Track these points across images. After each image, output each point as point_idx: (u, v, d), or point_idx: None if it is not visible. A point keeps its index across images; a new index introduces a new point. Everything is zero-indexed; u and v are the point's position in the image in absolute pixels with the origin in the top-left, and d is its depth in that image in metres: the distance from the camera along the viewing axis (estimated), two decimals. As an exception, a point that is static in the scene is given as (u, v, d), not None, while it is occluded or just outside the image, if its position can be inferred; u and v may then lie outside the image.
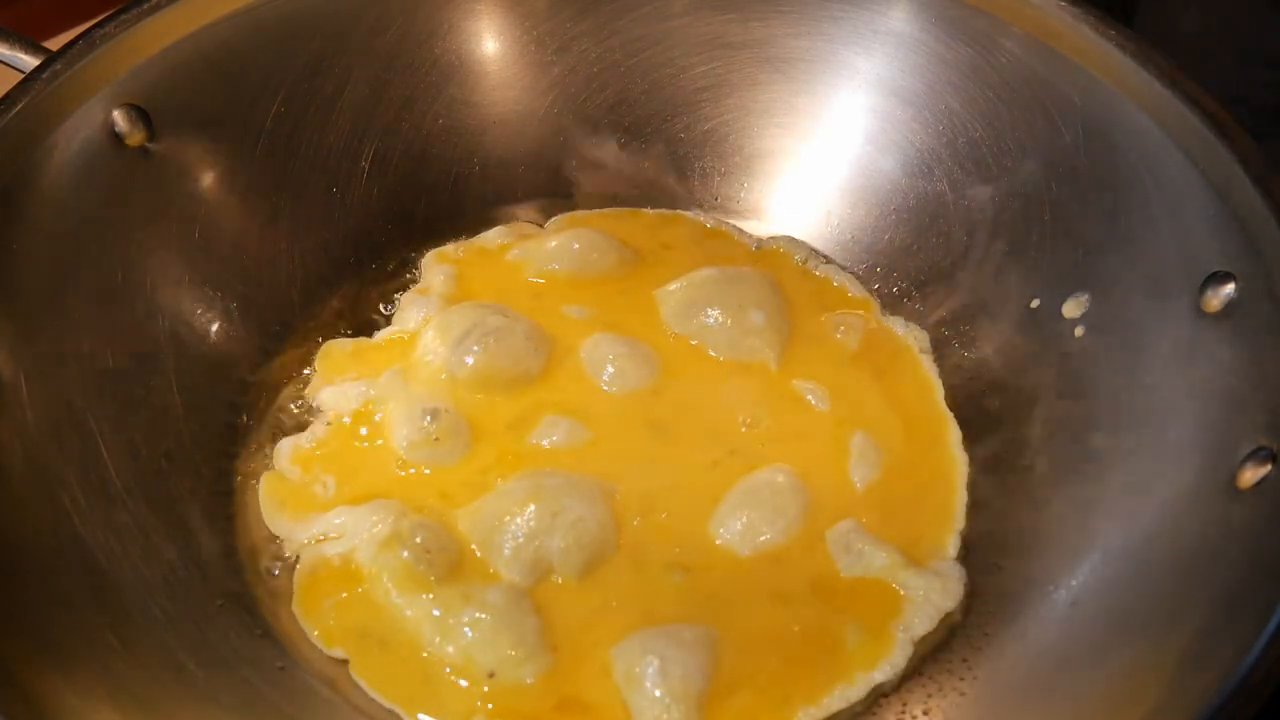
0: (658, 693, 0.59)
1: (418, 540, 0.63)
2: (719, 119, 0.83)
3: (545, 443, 0.70)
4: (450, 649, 0.61)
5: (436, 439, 0.69)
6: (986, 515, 0.69)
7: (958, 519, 0.69)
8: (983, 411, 0.73)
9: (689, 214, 0.84)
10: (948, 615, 0.64)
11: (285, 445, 0.70)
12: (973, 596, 0.65)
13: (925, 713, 0.60)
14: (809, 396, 0.73)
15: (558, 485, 0.66)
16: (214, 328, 0.72)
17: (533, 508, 0.64)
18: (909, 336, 0.77)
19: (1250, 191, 0.58)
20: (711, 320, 0.75)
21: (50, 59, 0.64)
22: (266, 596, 0.64)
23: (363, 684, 0.61)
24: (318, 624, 0.63)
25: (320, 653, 0.62)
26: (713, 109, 0.83)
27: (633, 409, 0.72)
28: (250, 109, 0.74)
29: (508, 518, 0.64)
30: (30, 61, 0.65)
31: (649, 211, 0.85)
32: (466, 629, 0.61)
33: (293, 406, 0.73)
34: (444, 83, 0.80)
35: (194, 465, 0.68)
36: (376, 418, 0.71)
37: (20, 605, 0.54)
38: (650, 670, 0.59)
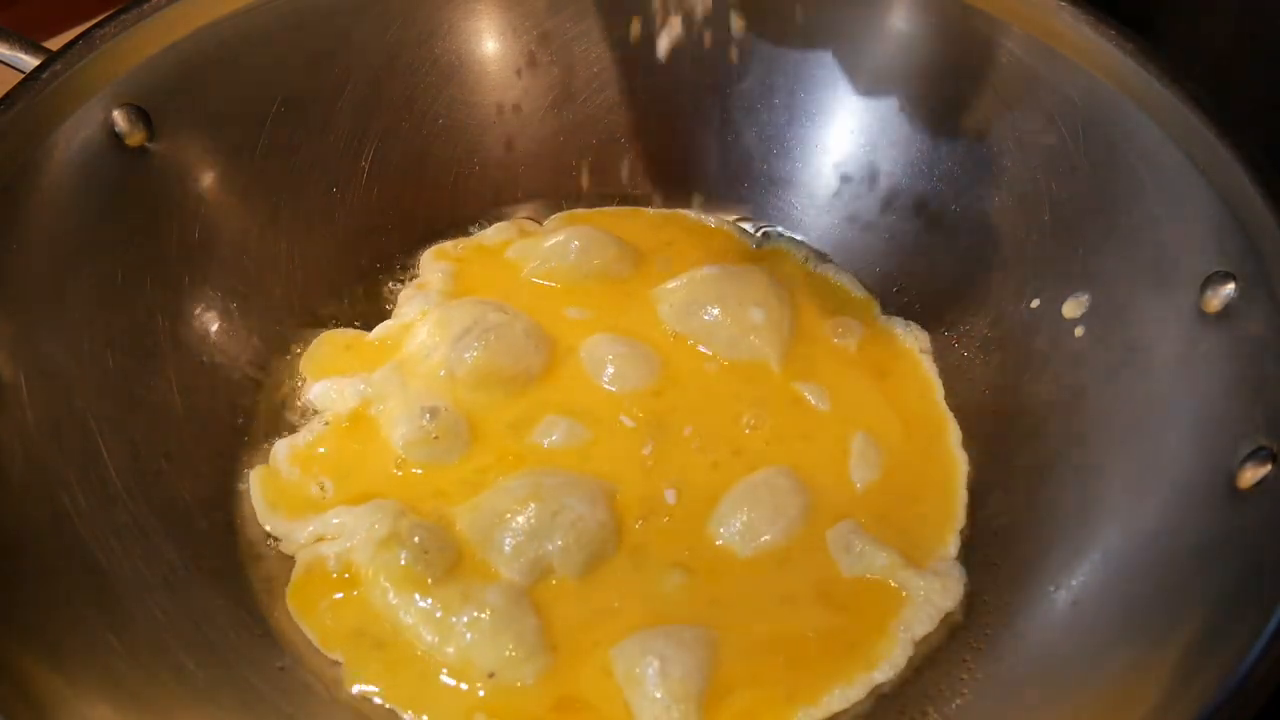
0: (658, 693, 0.59)
1: (416, 540, 0.63)
2: (719, 118, 0.83)
3: (545, 442, 0.70)
4: (449, 649, 0.61)
5: (435, 437, 0.69)
6: (986, 515, 0.69)
7: (958, 519, 0.69)
8: (983, 411, 0.73)
9: (689, 213, 0.84)
10: (948, 615, 0.64)
11: (283, 445, 0.70)
12: (973, 596, 0.65)
13: (924, 713, 0.60)
14: (809, 396, 0.73)
15: (558, 484, 0.66)
16: (214, 328, 0.72)
17: (533, 506, 0.64)
18: (909, 336, 0.77)
19: (1250, 191, 0.58)
20: (712, 318, 0.75)
21: (50, 59, 0.64)
22: (266, 596, 0.64)
23: (362, 684, 0.61)
24: (315, 624, 0.63)
25: (319, 653, 0.62)
26: (713, 108, 0.83)
27: (633, 409, 0.72)
28: (250, 109, 0.74)
29: (508, 516, 0.64)
30: (30, 61, 0.65)
31: (649, 210, 0.85)
32: (466, 629, 0.61)
33: (292, 406, 0.73)
34: (444, 83, 0.80)
35: (194, 465, 0.68)
36: (375, 416, 0.71)
37: (20, 605, 0.54)
38: (650, 671, 0.59)
